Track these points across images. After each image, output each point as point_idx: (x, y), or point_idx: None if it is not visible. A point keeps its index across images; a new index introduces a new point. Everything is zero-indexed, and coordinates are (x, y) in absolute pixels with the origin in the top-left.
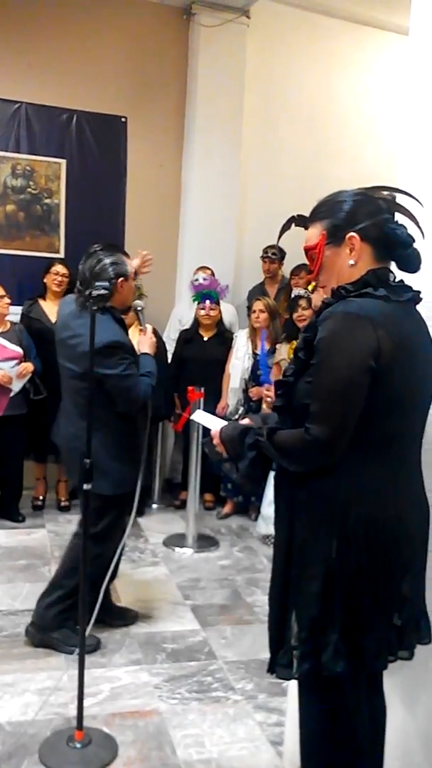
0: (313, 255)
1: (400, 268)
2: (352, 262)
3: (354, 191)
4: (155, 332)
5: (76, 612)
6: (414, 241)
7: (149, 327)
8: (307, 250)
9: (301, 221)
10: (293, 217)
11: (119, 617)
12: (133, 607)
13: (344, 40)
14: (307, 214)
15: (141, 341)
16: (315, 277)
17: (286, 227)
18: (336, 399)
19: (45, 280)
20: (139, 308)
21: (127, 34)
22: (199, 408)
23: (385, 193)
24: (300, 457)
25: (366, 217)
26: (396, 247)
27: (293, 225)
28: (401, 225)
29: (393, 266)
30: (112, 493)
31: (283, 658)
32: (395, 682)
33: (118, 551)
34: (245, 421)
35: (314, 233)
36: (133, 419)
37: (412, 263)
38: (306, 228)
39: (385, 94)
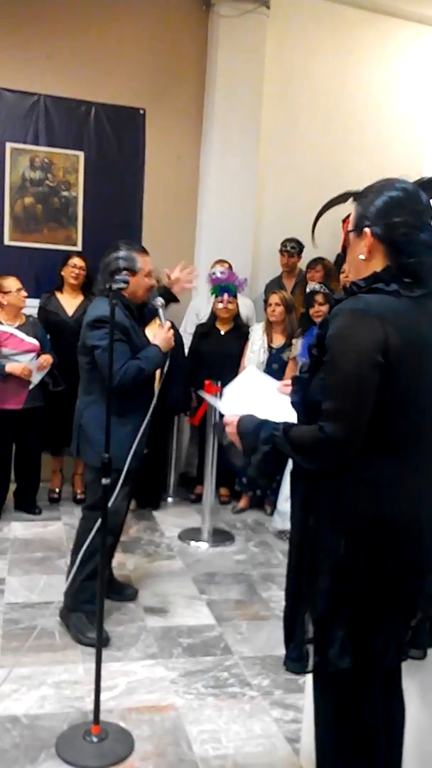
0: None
1: (405, 276)
2: (362, 257)
3: (399, 186)
4: (174, 329)
5: (85, 593)
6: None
7: (167, 323)
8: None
9: (357, 196)
10: (348, 192)
11: (116, 591)
12: (149, 601)
13: (366, 31)
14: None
15: (156, 334)
16: (343, 253)
17: (340, 200)
18: (347, 396)
19: (62, 273)
20: (159, 305)
21: (146, 26)
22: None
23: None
24: (314, 455)
25: (388, 216)
26: (401, 255)
27: (351, 199)
28: (420, 232)
29: None
30: (98, 465)
31: (293, 651)
32: (414, 681)
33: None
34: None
35: (352, 214)
36: (128, 397)
37: (416, 273)
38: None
39: (407, 86)
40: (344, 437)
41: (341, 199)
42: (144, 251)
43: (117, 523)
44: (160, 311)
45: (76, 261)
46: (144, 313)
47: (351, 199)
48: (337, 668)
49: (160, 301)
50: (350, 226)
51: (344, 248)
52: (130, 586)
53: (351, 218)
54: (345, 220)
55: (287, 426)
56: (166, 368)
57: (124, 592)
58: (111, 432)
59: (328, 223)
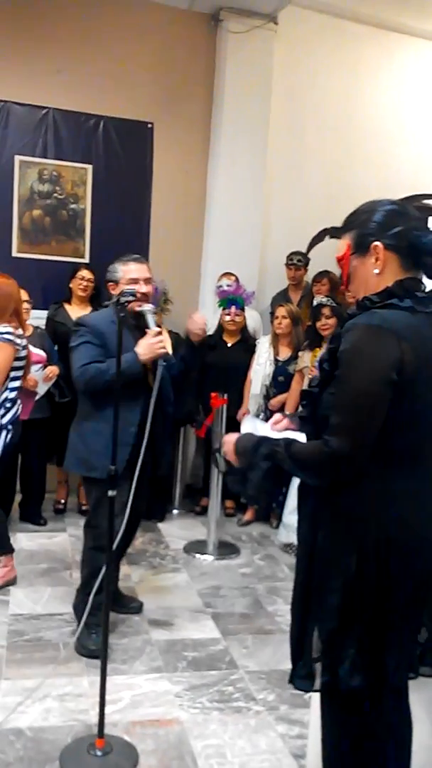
0: (342, 266)
1: (427, 275)
2: (376, 271)
3: (387, 201)
4: (175, 335)
5: (85, 606)
6: None
7: (154, 330)
8: (338, 261)
9: (334, 233)
10: (326, 229)
11: (121, 604)
12: (154, 614)
13: (372, 47)
14: (333, 221)
15: (140, 341)
16: (346, 287)
17: (318, 239)
18: (357, 412)
19: (71, 285)
20: (147, 310)
21: (155, 41)
22: (221, 414)
23: (423, 202)
24: (318, 470)
25: (392, 226)
26: (421, 255)
27: (327, 237)
28: (429, 231)
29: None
30: (81, 472)
31: (302, 669)
32: (421, 698)
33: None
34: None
35: (342, 244)
36: (96, 400)
37: None
38: (339, 239)
39: (413, 101)
40: (349, 453)
41: (319, 238)
42: (131, 260)
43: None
44: (148, 317)
45: (85, 273)
46: (140, 322)
47: (328, 237)
48: (348, 686)
49: (148, 306)
50: (351, 250)
51: (347, 281)
52: (134, 599)
53: (349, 244)
54: (339, 258)
55: (288, 441)
56: (159, 375)
57: (128, 605)
58: (89, 439)
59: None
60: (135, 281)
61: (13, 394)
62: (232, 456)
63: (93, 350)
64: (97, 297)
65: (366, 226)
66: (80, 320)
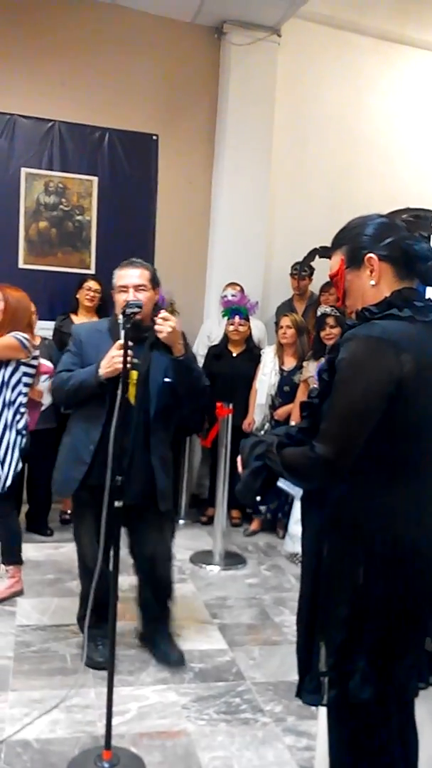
0: (337, 282)
1: (423, 282)
2: (372, 282)
3: (375, 216)
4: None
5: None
6: None
7: (118, 343)
8: (332, 278)
9: (323, 252)
10: (315, 249)
11: (157, 649)
12: None
13: (375, 58)
14: (336, 231)
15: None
16: (342, 303)
17: (309, 259)
18: (346, 422)
19: (78, 296)
20: (120, 320)
21: (159, 54)
22: (227, 424)
23: (404, 216)
24: (303, 474)
25: (384, 237)
26: (415, 262)
27: (317, 257)
28: (420, 239)
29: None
30: (56, 491)
31: (310, 683)
32: (428, 709)
33: (98, 561)
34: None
35: (335, 260)
36: (72, 416)
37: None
38: (329, 258)
39: (415, 111)
40: (334, 459)
41: (310, 258)
42: (124, 266)
43: (86, 564)
44: (121, 328)
45: (92, 284)
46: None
47: (317, 257)
48: (358, 699)
49: (121, 318)
50: (345, 265)
51: (343, 298)
52: (176, 648)
53: (342, 260)
54: (333, 275)
55: (280, 443)
56: (120, 392)
57: (168, 654)
58: (61, 458)
59: None
60: (123, 289)
61: (25, 400)
62: (240, 464)
63: (69, 358)
64: (104, 307)
65: (358, 240)
66: (72, 328)
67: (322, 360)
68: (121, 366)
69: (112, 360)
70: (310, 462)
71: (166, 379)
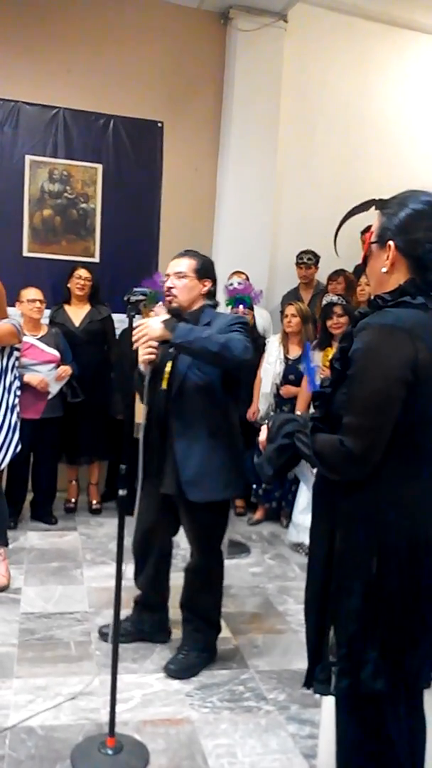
0: (365, 240)
1: (429, 289)
2: (384, 269)
3: (421, 198)
4: None
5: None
6: None
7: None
8: (363, 234)
9: (380, 205)
10: (374, 200)
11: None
12: None
13: (383, 44)
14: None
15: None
16: (363, 265)
17: (362, 209)
18: (371, 412)
19: (69, 285)
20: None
21: (165, 40)
22: None
23: None
24: (332, 465)
25: (411, 230)
26: (426, 271)
27: (373, 208)
28: None
29: None
30: None
31: (321, 673)
32: None
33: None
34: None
35: (375, 225)
36: None
37: None
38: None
39: (424, 97)
40: (364, 453)
41: (364, 207)
42: (177, 255)
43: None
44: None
45: (81, 272)
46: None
47: (373, 208)
48: (370, 690)
49: (158, 307)
50: (373, 238)
51: (365, 259)
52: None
53: (374, 229)
54: (365, 232)
55: (315, 428)
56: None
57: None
58: None
59: (348, 234)
60: (167, 276)
61: (19, 384)
62: (263, 444)
63: None
64: (95, 295)
65: (391, 219)
66: None
67: (329, 350)
68: (150, 357)
69: (142, 351)
70: (339, 455)
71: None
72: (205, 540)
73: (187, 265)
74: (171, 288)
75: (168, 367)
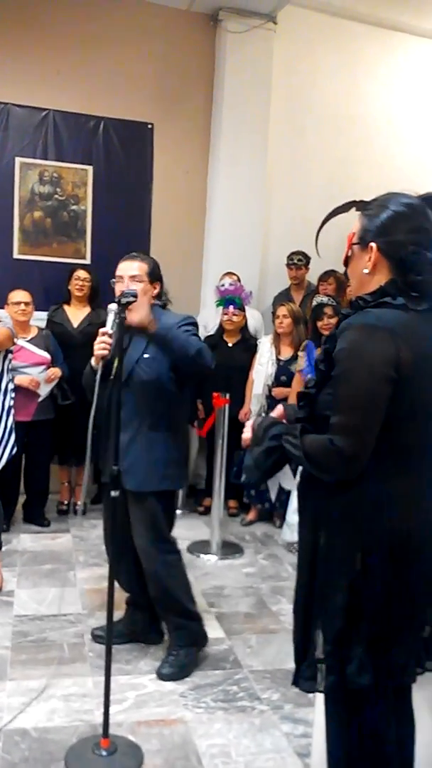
0: (348, 240)
1: (412, 291)
2: (366, 271)
3: (401, 200)
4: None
5: None
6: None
7: (101, 329)
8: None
9: (361, 207)
10: (355, 201)
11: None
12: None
13: (372, 46)
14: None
15: None
16: (344, 264)
17: (343, 209)
18: (357, 411)
19: (68, 286)
20: (110, 309)
21: (155, 41)
22: (224, 414)
23: None
24: (323, 465)
25: (392, 232)
26: (407, 273)
27: (354, 209)
28: (423, 252)
29: None
30: None
31: (307, 670)
32: (424, 695)
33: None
34: (278, 413)
35: (356, 226)
36: None
37: (422, 290)
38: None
39: (413, 99)
40: (354, 451)
41: (344, 208)
42: (126, 258)
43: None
44: (109, 317)
45: (81, 274)
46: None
47: (354, 209)
48: (356, 685)
49: (112, 305)
50: (355, 239)
51: (347, 261)
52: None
53: (355, 230)
54: (349, 236)
55: (304, 429)
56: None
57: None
58: None
59: (337, 234)
60: (119, 279)
61: (13, 386)
62: (247, 443)
63: None
64: (95, 297)
65: (372, 221)
66: None
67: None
68: (102, 353)
69: (96, 347)
70: (330, 455)
71: (145, 355)
72: (151, 528)
73: (140, 268)
74: (128, 291)
75: (116, 363)
